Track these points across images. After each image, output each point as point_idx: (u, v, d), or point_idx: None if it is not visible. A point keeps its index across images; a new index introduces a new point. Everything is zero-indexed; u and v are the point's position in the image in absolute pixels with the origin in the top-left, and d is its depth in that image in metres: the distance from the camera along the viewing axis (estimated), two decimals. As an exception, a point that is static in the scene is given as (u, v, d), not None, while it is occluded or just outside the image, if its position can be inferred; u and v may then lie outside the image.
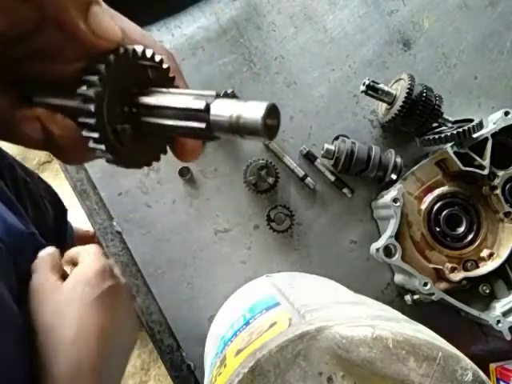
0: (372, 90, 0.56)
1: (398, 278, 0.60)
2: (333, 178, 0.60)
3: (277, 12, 0.62)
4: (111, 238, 0.61)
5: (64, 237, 0.90)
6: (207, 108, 0.23)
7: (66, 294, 0.43)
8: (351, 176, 0.60)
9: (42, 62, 0.25)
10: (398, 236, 0.55)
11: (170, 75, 0.28)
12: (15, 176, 0.66)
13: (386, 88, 0.56)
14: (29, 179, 0.71)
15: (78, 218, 0.99)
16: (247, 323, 0.42)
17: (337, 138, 0.61)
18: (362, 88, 0.56)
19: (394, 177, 0.57)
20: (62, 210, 0.89)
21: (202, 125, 0.23)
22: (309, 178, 0.60)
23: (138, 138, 0.26)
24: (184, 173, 0.60)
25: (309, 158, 0.61)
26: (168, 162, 0.60)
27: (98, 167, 0.60)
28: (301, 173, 0.60)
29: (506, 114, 0.57)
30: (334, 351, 0.31)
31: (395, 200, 0.55)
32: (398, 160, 0.58)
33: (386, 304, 0.45)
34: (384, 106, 0.59)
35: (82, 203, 0.61)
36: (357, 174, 0.59)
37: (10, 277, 0.43)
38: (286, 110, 0.61)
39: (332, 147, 0.58)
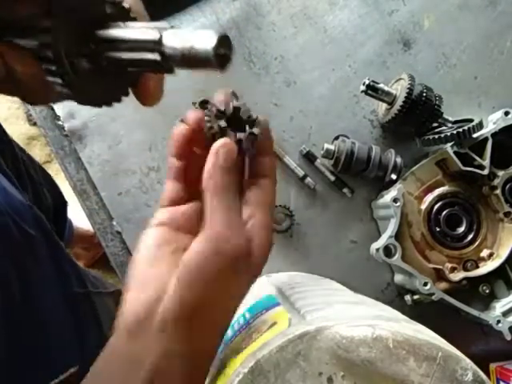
0: (372, 90, 0.56)
1: (398, 277, 0.60)
2: (333, 178, 0.60)
3: (277, 12, 0.62)
4: (111, 238, 0.61)
5: (62, 232, 0.90)
6: (160, 38, 0.23)
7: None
8: (351, 176, 0.60)
9: (3, 1, 0.25)
10: (398, 236, 0.55)
11: (132, 15, 0.28)
12: (16, 157, 0.66)
13: (386, 88, 0.56)
14: (30, 164, 0.71)
15: (78, 218, 0.99)
16: (247, 323, 0.42)
17: (337, 138, 0.61)
18: (362, 88, 0.56)
19: (394, 177, 0.57)
20: (61, 202, 0.89)
21: (157, 56, 0.24)
22: (309, 178, 0.60)
23: (97, 74, 0.26)
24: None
25: (309, 157, 0.61)
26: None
27: (98, 167, 0.60)
28: (301, 173, 0.60)
29: (506, 113, 0.57)
30: (334, 351, 0.31)
31: (395, 200, 0.55)
32: (398, 160, 0.58)
33: (386, 304, 0.45)
34: (384, 105, 0.59)
35: (82, 203, 0.61)
36: (357, 173, 0.59)
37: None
38: (286, 110, 0.61)
39: (332, 147, 0.58)
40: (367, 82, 0.55)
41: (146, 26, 0.25)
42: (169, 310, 0.30)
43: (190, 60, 0.23)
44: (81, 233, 1.03)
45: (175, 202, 0.36)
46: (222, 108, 0.34)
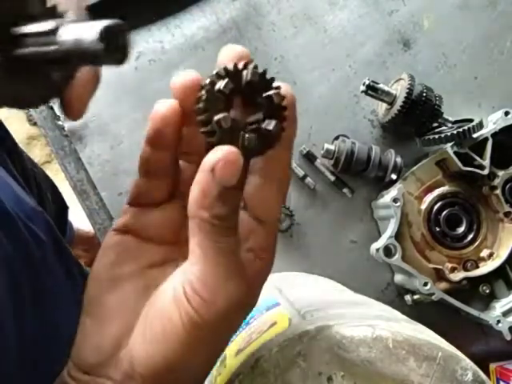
0: (372, 90, 0.56)
1: (398, 278, 0.60)
2: (333, 178, 0.60)
3: (277, 12, 0.62)
4: (111, 238, 0.61)
5: (63, 235, 0.90)
6: (55, 29, 0.22)
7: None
8: (351, 176, 0.60)
9: None
10: (398, 236, 0.55)
11: (62, 11, 0.26)
12: (24, 162, 0.66)
13: (386, 88, 0.56)
14: (36, 169, 0.71)
15: (78, 218, 0.99)
16: (247, 323, 0.42)
17: (337, 138, 0.61)
18: (362, 88, 0.56)
19: (394, 177, 0.57)
20: (62, 206, 0.89)
21: (54, 47, 0.22)
22: (309, 178, 0.60)
23: (14, 74, 0.25)
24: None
25: (309, 157, 0.61)
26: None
27: (98, 167, 0.60)
28: (301, 173, 0.60)
29: (506, 114, 0.57)
30: (334, 351, 0.31)
31: (395, 200, 0.55)
32: (398, 160, 0.58)
33: (386, 304, 0.45)
34: (384, 105, 0.59)
35: (82, 203, 0.61)
36: (357, 173, 0.59)
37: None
38: (286, 110, 0.61)
39: (332, 147, 0.58)
40: (367, 82, 0.55)
41: (55, 20, 0.23)
42: (138, 363, 0.25)
43: (81, 52, 0.21)
44: (81, 234, 1.02)
45: (144, 202, 0.28)
46: (231, 67, 0.24)
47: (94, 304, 0.27)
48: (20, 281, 0.43)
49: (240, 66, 0.24)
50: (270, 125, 0.24)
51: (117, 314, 0.26)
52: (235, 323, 0.27)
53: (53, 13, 0.26)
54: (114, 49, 0.20)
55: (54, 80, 0.27)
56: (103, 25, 0.20)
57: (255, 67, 0.24)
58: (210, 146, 0.23)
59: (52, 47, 0.22)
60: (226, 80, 0.23)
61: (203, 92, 0.23)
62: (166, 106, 0.25)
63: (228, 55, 0.25)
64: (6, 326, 0.39)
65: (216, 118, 0.22)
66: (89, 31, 0.20)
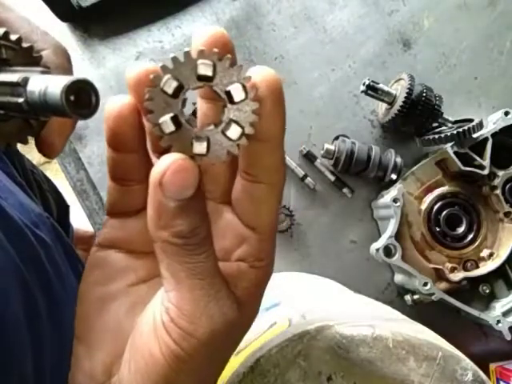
0: (372, 90, 0.56)
1: (398, 278, 0.60)
2: (333, 178, 0.60)
3: (277, 12, 0.62)
4: (111, 237, 0.61)
5: (67, 236, 0.90)
6: (24, 82, 0.21)
7: None
8: (351, 176, 0.60)
9: None
10: (397, 236, 0.55)
11: (40, 49, 0.26)
12: (24, 164, 0.66)
13: (386, 88, 0.56)
14: (35, 170, 0.71)
15: (77, 219, 0.99)
16: (247, 323, 0.42)
17: (337, 138, 0.61)
18: (362, 88, 0.56)
19: (393, 177, 0.57)
20: (64, 206, 0.89)
21: (20, 99, 0.21)
22: (309, 178, 0.60)
23: None
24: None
25: (309, 157, 0.61)
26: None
27: (98, 167, 0.60)
28: (301, 173, 0.60)
29: (506, 114, 0.57)
30: (334, 351, 0.31)
31: (395, 200, 0.55)
32: (398, 160, 0.58)
33: (386, 304, 0.45)
34: (384, 106, 0.59)
35: (82, 203, 0.61)
36: (357, 173, 0.59)
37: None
38: (286, 110, 0.61)
39: (332, 147, 0.58)
40: (367, 82, 0.55)
41: (24, 69, 0.23)
42: None
43: (46, 105, 0.20)
44: (80, 234, 1.02)
45: (121, 211, 0.25)
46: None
47: (83, 328, 0.25)
48: (34, 293, 0.41)
49: (194, 54, 0.19)
50: (231, 131, 0.20)
51: (105, 338, 0.24)
52: (229, 345, 0.24)
53: (29, 55, 0.25)
54: (77, 105, 0.19)
55: (29, 124, 0.26)
56: (69, 81, 0.19)
57: (220, 57, 0.20)
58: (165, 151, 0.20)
59: (19, 99, 0.21)
60: (166, 77, 0.19)
61: (147, 89, 0.20)
62: (119, 103, 0.22)
63: (199, 40, 0.20)
64: (23, 341, 0.37)
65: (160, 120, 0.20)
66: (54, 86, 0.19)
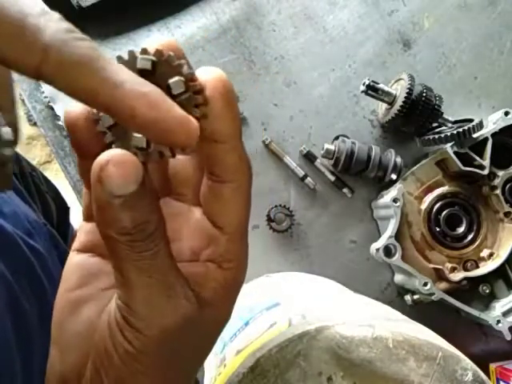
0: (372, 90, 0.56)
1: (398, 278, 0.60)
2: (333, 178, 0.60)
3: (277, 12, 0.62)
4: (111, 238, 0.61)
5: (66, 237, 0.89)
6: None
7: None
8: (351, 176, 0.60)
9: None
10: (397, 236, 0.55)
11: None
12: (22, 168, 0.66)
13: (386, 88, 0.56)
14: (34, 173, 0.71)
15: (77, 218, 0.99)
16: (247, 323, 0.42)
17: (337, 138, 0.61)
18: (362, 88, 0.56)
19: (393, 177, 0.57)
20: (64, 208, 0.88)
21: None
22: (309, 178, 0.60)
23: None
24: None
25: (309, 157, 0.61)
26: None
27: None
28: (301, 173, 0.60)
29: (506, 114, 0.57)
30: (334, 351, 0.31)
31: (395, 200, 0.55)
32: (398, 160, 0.58)
33: (386, 304, 0.45)
34: (384, 105, 0.59)
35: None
36: (357, 174, 0.59)
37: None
38: (286, 110, 0.61)
39: (332, 147, 0.58)
40: (367, 82, 0.55)
41: None
42: None
43: None
44: None
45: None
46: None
47: (56, 331, 0.25)
48: (23, 305, 0.41)
49: (137, 53, 0.20)
50: None
51: (76, 341, 0.24)
52: (190, 345, 0.24)
53: None
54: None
55: None
56: None
57: (163, 55, 0.19)
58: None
59: None
60: None
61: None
62: (74, 110, 0.22)
63: (149, 43, 0.21)
64: (13, 359, 0.37)
65: (100, 114, 0.19)
66: None
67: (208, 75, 0.20)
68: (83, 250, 0.25)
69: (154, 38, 0.19)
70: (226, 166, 0.22)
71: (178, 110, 0.18)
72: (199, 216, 0.24)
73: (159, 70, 0.20)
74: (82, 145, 0.22)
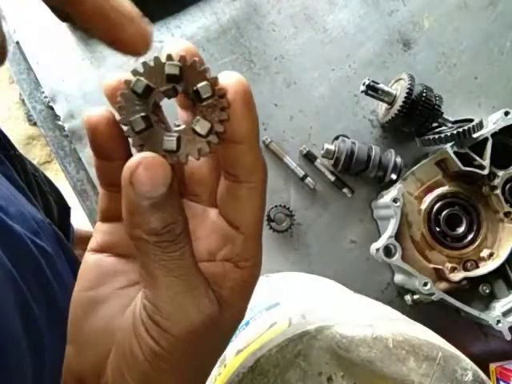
0: (372, 90, 0.56)
1: (398, 278, 0.60)
2: (333, 178, 0.60)
3: (277, 12, 0.62)
4: (111, 238, 0.61)
5: (67, 237, 0.89)
6: None
7: None
8: (351, 176, 0.60)
9: None
10: (398, 236, 0.55)
11: None
12: (25, 167, 0.66)
13: (386, 88, 0.56)
14: (37, 173, 0.71)
15: (77, 218, 0.99)
16: (247, 323, 0.42)
17: (337, 138, 0.61)
18: (362, 88, 0.56)
19: (393, 177, 0.57)
20: (65, 208, 0.88)
21: None
22: (309, 178, 0.60)
23: None
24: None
25: (309, 157, 0.61)
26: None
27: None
28: (301, 173, 0.60)
29: (506, 114, 0.57)
30: (334, 351, 0.31)
31: (395, 200, 0.55)
32: (398, 160, 0.58)
33: (386, 304, 0.45)
34: (384, 105, 0.59)
35: (82, 203, 0.61)
36: (357, 173, 0.59)
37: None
38: (286, 110, 0.61)
39: (332, 147, 0.58)
40: (367, 82, 0.55)
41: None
42: None
43: None
44: (81, 234, 1.02)
45: (113, 216, 0.26)
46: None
47: (74, 330, 0.25)
48: (31, 305, 0.40)
49: (163, 58, 0.21)
50: (199, 126, 0.20)
51: (94, 341, 0.24)
52: (211, 344, 0.24)
53: None
54: None
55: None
56: None
57: (187, 61, 0.20)
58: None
59: None
60: (136, 78, 0.20)
61: (119, 92, 0.21)
62: (95, 117, 0.23)
63: (170, 48, 0.22)
64: (23, 355, 0.37)
65: (130, 119, 0.20)
66: None
67: (229, 79, 0.21)
68: (99, 250, 0.26)
69: (172, 42, 0.19)
70: (243, 166, 0.22)
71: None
72: (214, 216, 0.25)
73: (186, 75, 0.21)
74: (103, 147, 0.23)
